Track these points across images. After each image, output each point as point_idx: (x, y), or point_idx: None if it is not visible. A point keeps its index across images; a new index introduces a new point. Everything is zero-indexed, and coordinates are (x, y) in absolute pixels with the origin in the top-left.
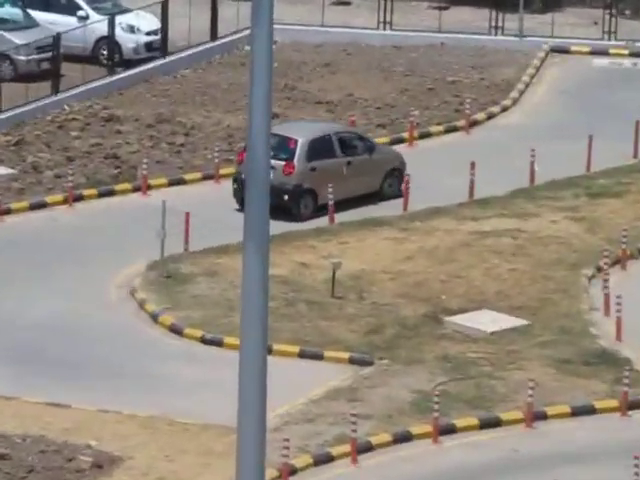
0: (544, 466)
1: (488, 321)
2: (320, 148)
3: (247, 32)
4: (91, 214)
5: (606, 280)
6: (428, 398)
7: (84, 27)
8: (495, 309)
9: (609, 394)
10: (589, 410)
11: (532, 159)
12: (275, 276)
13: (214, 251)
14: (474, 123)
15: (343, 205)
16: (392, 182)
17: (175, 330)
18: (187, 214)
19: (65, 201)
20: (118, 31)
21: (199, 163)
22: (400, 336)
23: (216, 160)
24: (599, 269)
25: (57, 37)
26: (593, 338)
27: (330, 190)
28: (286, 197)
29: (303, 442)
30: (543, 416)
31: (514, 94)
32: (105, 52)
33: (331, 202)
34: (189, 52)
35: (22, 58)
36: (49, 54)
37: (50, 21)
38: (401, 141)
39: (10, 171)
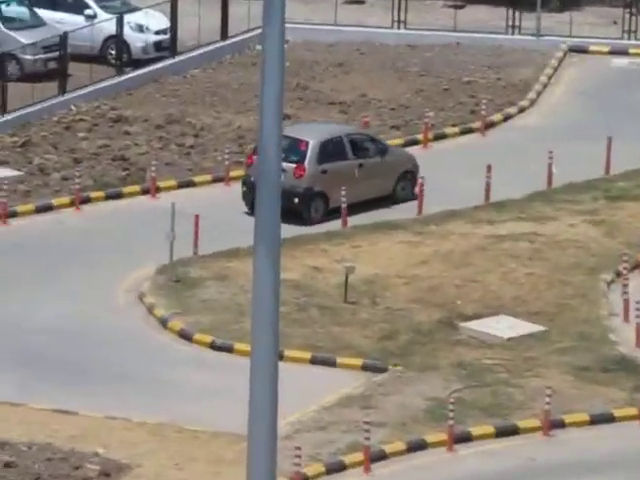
0: (562, 475)
1: (504, 327)
2: (331, 150)
3: (258, 31)
4: (99, 217)
5: (625, 285)
6: (443, 405)
7: (92, 26)
8: (512, 314)
9: (628, 402)
10: (608, 418)
11: (550, 161)
12: (286, 280)
13: (224, 255)
14: (490, 124)
15: (355, 208)
16: (405, 185)
17: (184, 335)
18: (197, 217)
19: (72, 204)
20: (127, 30)
21: (209, 165)
22: (414, 342)
23: (226, 162)
24: (618, 274)
25: (64, 36)
26: (612, 344)
27: (343, 193)
28: (296, 200)
29: (315, 450)
30: (561, 424)
31: (531, 95)
32: (113, 51)
33: (344, 205)
34: (199, 51)
35: (29, 57)
36: (56, 53)
37: (57, 20)
38: (416, 143)
39: (16, 173)
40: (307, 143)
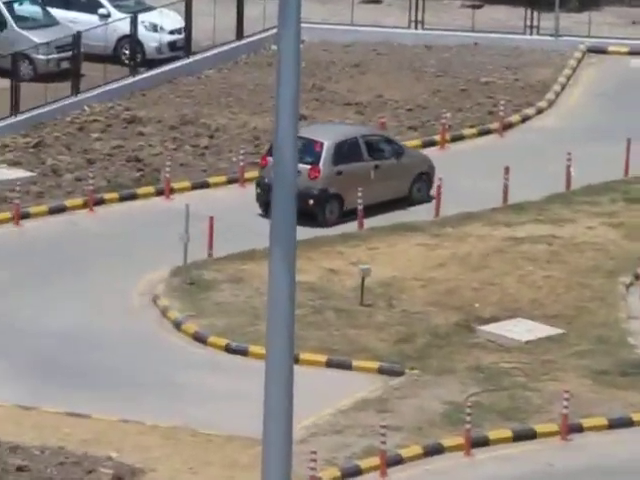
0: None
1: (522, 330)
2: (347, 151)
3: (274, 31)
4: (112, 218)
5: None
6: (460, 409)
7: (105, 25)
8: (529, 317)
9: None
10: (626, 422)
11: (568, 163)
12: (302, 283)
13: (239, 257)
14: (508, 125)
15: (371, 210)
16: (421, 187)
17: (199, 338)
18: (211, 218)
19: (85, 205)
20: (141, 30)
21: (224, 166)
22: (431, 345)
23: (241, 163)
24: (637, 276)
25: (77, 36)
26: (631, 348)
27: (360, 194)
28: (311, 202)
29: (331, 454)
30: (579, 428)
31: (550, 96)
32: (127, 51)
33: (360, 207)
34: (214, 52)
35: (41, 57)
36: (69, 53)
37: (70, 19)
38: (433, 144)
39: (29, 174)
40: (322, 144)
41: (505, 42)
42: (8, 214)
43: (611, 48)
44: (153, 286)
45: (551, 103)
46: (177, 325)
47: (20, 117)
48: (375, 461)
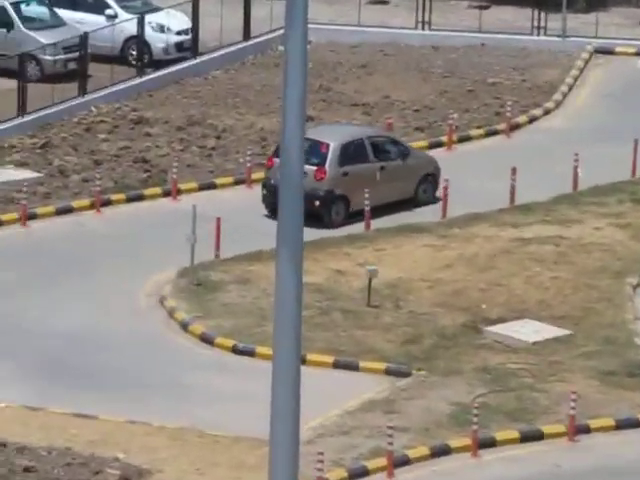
0: None
1: (529, 331)
2: (352, 153)
3: (281, 32)
4: (119, 219)
5: None
6: (467, 410)
7: (112, 26)
8: (536, 318)
9: None
10: (634, 423)
11: (575, 164)
12: (309, 284)
13: (246, 258)
14: (515, 126)
15: (378, 211)
16: (426, 188)
17: (206, 339)
18: (218, 220)
19: (92, 206)
20: (148, 30)
21: (231, 167)
22: (438, 346)
23: (248, 164)
24: None
25: (84, 36)
26: (638, 349)
27: (366, 195)
28: (317, 203)
29: (338, 455)
30: (586, 429)
31: (557, 96)
32: (134, 52)
33: (367, 208)
34: (221, 52)
35: (48, 58)
36: (76, 54)
37: (77, 20)
38: (440, 145)
39: (36, 175)
40: (328, 145)
41: (512, 43)
42: (15, 215)
43: (618, 49)
44: (160, 287)
45: (558, 104)
46: (184, 326)
47: (27, 118)
48: (382, 462)
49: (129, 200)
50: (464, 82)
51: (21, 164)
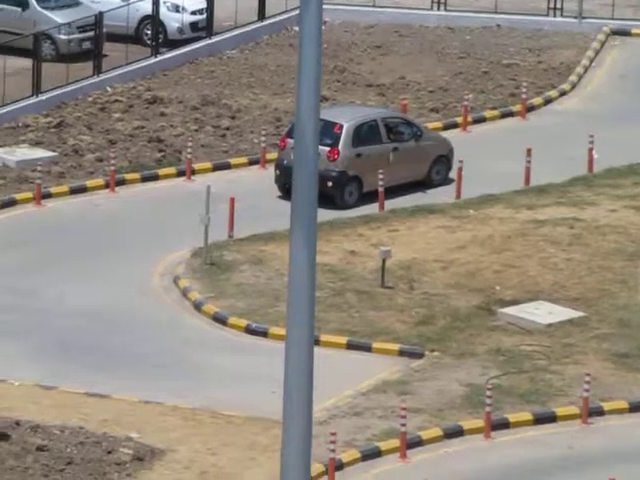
0: (600, 463)
1: (543, 313)
2: (366, 134)
3: (296, 12)
4: (133, 199)
5: None
6: (480, 392)
7: (127, 6)
8: (551, 300)
9: None
10: None
11: (590, 145)
12: (322, 264)
13: (260, 238)
14: (531, 108)
15: (392, 192)
16: (440, 169)
17: (219, 319)
18: (232, 200)
19: (107, 185)
20: (163, 10)
21: (245, 147)
22: (452, 328)
23: (262, 144)
24: None
25: (99, 16)
26: None
27: (380, 176)
28: (330, 184)
29: (350, 436)
30: (600, 412)
31: (573, 78)
32: (149, 32)
33: (381, 189)
34: (236, 32)
35: (63, 38)
36: (91, 34)
37: None
38: (454, 126)
39: (50, 154)
40: (341, 126)
41: (528, 24)
42: (29, 194)
43: (634, 30)
44: (174, 267)
45: (574, 85)
46: (197, 306)
47: (42, 97)
48: (395, 443)
49: (143, 180)
50: (479, 63)
51: (36, 143)
